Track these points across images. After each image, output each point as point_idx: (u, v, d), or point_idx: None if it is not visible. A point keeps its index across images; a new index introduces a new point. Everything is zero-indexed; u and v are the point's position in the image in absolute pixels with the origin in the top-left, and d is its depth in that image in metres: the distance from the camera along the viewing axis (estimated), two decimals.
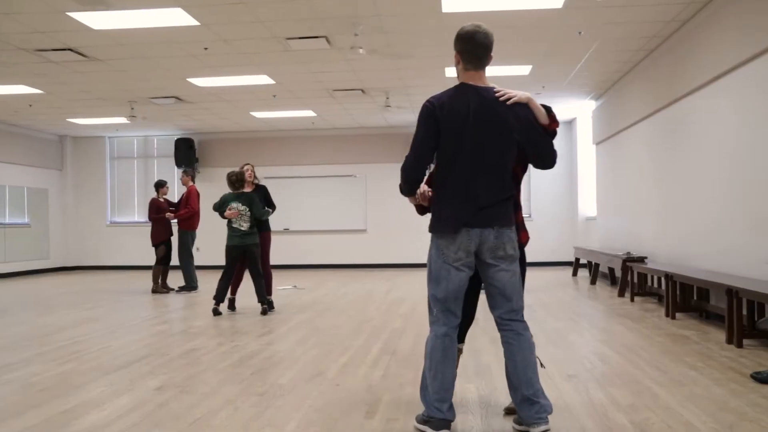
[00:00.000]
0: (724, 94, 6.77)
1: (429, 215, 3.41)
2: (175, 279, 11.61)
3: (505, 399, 3.84)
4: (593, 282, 10.95)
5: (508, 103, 3.14)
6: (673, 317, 6.91)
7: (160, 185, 10.80)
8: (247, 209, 7.71)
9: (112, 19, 7.33)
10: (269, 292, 8.09)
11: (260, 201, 7.99)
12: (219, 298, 7.75)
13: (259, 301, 7.76)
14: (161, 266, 10.54)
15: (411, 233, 15.48)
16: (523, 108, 3.18)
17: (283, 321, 7.19)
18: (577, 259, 12.63)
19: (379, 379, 4.45)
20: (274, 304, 8.38)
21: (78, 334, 6.52)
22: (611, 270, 10.64)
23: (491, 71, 9.81)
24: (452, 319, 3.28)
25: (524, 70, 9.99)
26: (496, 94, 3.17)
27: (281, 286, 11.20)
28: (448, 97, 3.18)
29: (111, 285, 11.98)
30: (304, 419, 3.56)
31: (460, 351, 3.56)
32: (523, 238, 3.40)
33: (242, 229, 7.69)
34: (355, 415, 3.62)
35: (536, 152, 3.23)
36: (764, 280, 5.66)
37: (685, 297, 7.10)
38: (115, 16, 7.25)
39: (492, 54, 3.25)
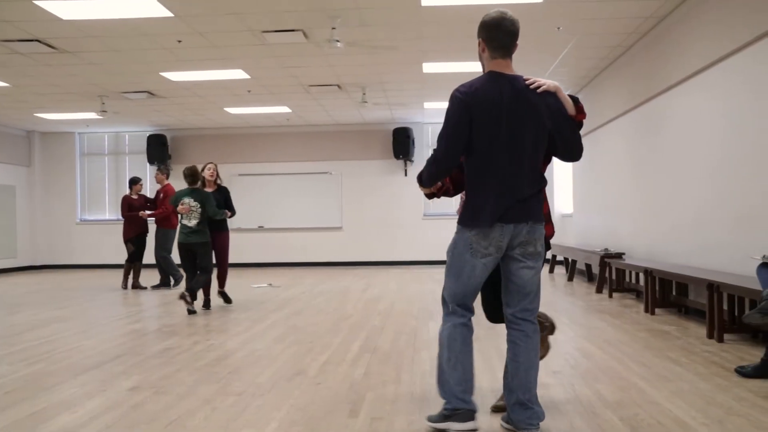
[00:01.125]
0: (702, 91, 6.78)
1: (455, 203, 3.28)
2: (151, 277, 11.38)
3: (491, 397, 3.77)
4: (570, 279, 10.95)
5: (538, 91, 3.04)
6: (653, 313, 6.91)
7: (133, 182, 10.68)
8: (199, 206, 7.52)
9: (82, 9, 7.11)
10: (222, 285, 8.10)
11: (221, 202, 7.89)
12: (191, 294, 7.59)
13: (186, 289, 7.43)
14: (130, 263, 10.45)
15: (387, 231, 15.41)
16: (553, 98, 3.08)
17: (259, 319, 7.05)
18: (554, 256, 12.65)
19: (360, 378, 4.34)
20: (232, 299, 8.40)
21: (48, 333, 6.31)
22: (588, 266, 10.65)
23: (468, 66, 9.79)
24: (468, 313, 3.18)
25: None
26: (527, 83, 3.07)
27: (256, 284, 11.04)
28: (479, 86, 3.05)
29: (82, 284, 11.70)
30: (285, 419, 3.45)
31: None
32: (549, 231, 3.28)
33: (189, 225, 7.54)
34: (338, 415, 3.52)
35: (565, 144, 3.12)
36: (745, 275, 5.66)
37: (664, 292, 7.10)
38: (86, 6, 7.03)
39: (518, 42, 3.14)
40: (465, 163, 3.16)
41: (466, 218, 3.13)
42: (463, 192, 3.45)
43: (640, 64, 8.55)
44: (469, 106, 3.01)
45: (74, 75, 10.09)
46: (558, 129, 3.08)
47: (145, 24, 7.69)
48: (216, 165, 8.27)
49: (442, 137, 3.09)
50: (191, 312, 7.36)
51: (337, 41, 7.85)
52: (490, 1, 7.10)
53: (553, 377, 4.25)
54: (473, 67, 9.89)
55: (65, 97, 11.81)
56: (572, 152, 3.17)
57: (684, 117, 7.24)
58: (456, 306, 3.15)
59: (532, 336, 3.12)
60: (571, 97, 3.15)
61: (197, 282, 7.51)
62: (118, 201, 15.20)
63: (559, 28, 8.15)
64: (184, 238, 7.56)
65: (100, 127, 15.19)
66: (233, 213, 8.13)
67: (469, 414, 3.08)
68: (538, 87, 3.05)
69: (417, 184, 3.39)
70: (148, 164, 15.30)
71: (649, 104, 8.35)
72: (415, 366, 4.67)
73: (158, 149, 15.09)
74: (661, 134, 7.93)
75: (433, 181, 3.26)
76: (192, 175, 7.66)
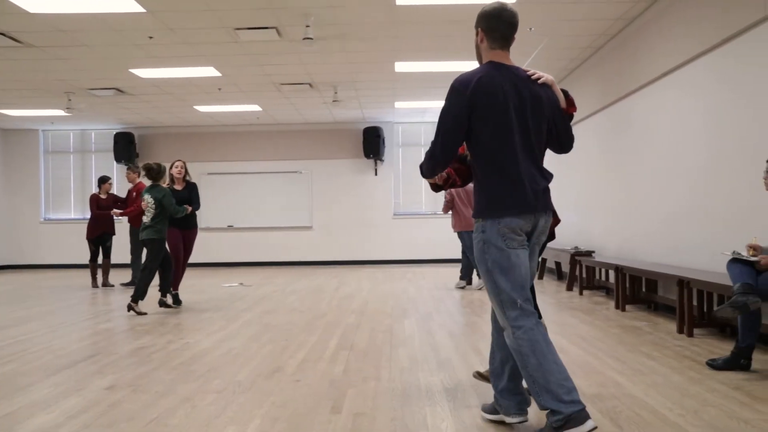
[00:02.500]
0: (672, 91, 6.92)
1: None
2: (122, 276, 11.22)
3: (470, 392, 3.79)
4: (540, 276, 11.08)
5: (539, 82, 3.06)
6: (623, 309, 7.03)
7: (102, 181, 10.54)
8: (154, 202, 7.45)
9: (50, 2, 6.97)
10: (175, 287, 7.97)
11: (185, 199, 7.85)
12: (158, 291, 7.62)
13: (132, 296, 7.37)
14: (93, 263, 10.33)
15: (357, 231, 15.41)
16: (550, 89, 3.11)
17: (233, 318, 7.00)
18: None
19: (340, 374, 4.34)
20: (182, 302, 8.23)
21: (17, 333, 6.18)
22: (558, 264, 10.78)
23: (441, 66, 9.85)
24: (531, 306, 3.01)
25: (475, 65, 10.00)
26: (528, 73, 3.09)
27: (227, 283, 10.95)
28: (481, 76, 3.00)
29: (48, 283, 11.47)
30: (268, 416, 3.43)
31: None
32: (556, 221, 3.31)
33: (144, 221, 7.52)
34: (320, 411, 3.51)
35: (560, 135, 3.15)
36: (713, 271, 5.79)
37: (634, 289, 7.23)
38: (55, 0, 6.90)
39: (516, 35, 3.16)
40: (475, 154, 3.08)
41: (490, 211, 2.99)
42: (447, 191, 3.49)
43: (611, 64, 8.69)
44: (470, 97, 2.96)
45: (40, 70, 9.89)
46: (555, 120, 3.11)
47: (116, 19, 7.57)
48: (184, 162, 8.19)
49: (440, 131, 3.03)
50: (139, 313, 7.28)
51: (311, 39, 7.83)
52: (466, 1, 7.17)
53: None
54: (445, 67, 9.97)
55: (30, 93, 11.56)
56: (564, 144, 3.19)
57: (653, 117, 7.38)
58: (524, 303, 2.95)
59: (540, 321, 3.04)
60: (562, 90, 3.19)
61: (138, 285, 7.40)
62: (83, 199, 15.02)
63: (531, 28, 8.23)
64: (140, 233, 7.58)
65: (66, 124, 14.91)
66: (196, 207, 7.99)
67: (583, 414, 2.77)
68: (538, 78, 3.08)
69: (419, 173, 3.34)
70: (115, 163, 15.06)
71: (619, 104, 8.49)
72: (393, 363, 4.68)
73: (126, 147, 14.88)
74: (630, 134, 8.07)
75: (432, 174, 3.24)
76: (148, 170, 7.59)
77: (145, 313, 7.27)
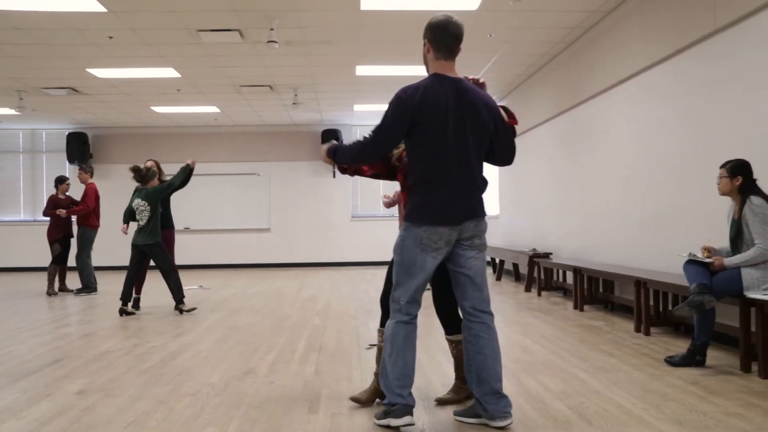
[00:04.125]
0: (624, 99, 7.17)
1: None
2: (74, 280, 10.99)
3: (443, 391, 3.89)
4: (498, 278, 11.29)
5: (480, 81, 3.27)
6: (582, 309, 7.25)
7: (59, 181, 10.21)
8: (147, 204, 7.40)
9: (9, 0, 6.84)
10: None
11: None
12: (125, 297, 7.42)
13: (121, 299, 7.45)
14: (56, 265, 9.97)
15: (315, 233, 15.42)
16: (491, 100, 3.28)
17: (196, 321, 6.97)
18: None
19: (312, 376, 4.40)
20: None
21: None
22: (516, 266, 11.00)
23: (401, 70, 9.97)
24: (416, 308, 3.29)
25: None
26: (471, 82, 3.26)
27: (186, 286, 10.82)
28: (424, 88, 3.17)
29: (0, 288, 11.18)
30: (246, 417, 3.47)
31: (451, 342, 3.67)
32: None
33: (140, 224, 7.46)
34: (297, 411, 3.56)
35: (501, 146, 3.32)
36: (665, 272, 6.03)
37: (592, 290, 7.45)
38: None
39: (461, 46, 3.30)
40: (410, 162, 3.28)
41: (414, 216, 3.21)
42: (397, 193, 3.67)
43: (567, 71, 8.93)
44: (413, 108, 3.14)
45: None
46: (497, 131, 3.28)
47: (77, 18, 7.46)
48: (156, 162, 8.13)
49: (378, 134, 3.23)
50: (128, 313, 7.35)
51: (275, 42, 7.86)
52: (428, 6, 7.28)
53: None
54: (405, 71, 10.09)
55: None
56: (507, 156, 3.38)
57: (606, 124, 7.63)
58: (406, 303, 3.23)
59: (492, 326, 3.29)
60: (501, 106, 3.36)
61: (172, 290, 7.46)
62: (33, 201, 14.70)
63: (490, 35, 8.41)
64: (134, 238, 7.47)
65: (15, 123, 14.52)
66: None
67: (405, 409, 3.15)
68: (482, 85, 3.30)
69: (325, 152, 3.49)
70: (67, 163, 14.75)
71: (574, 111, 8.73)
72: (364, 364, 4.75)
73: (79, 148, 14.59)
74: (585, 139, 8.32)
75: (350, 163, 3.45)
76: (136, 172, 7.52)
77: (194, 308, 7.64)
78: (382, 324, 3.60)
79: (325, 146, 3.51)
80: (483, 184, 3.31)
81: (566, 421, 3.29)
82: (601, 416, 3.36)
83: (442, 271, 3.45)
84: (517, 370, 4.45)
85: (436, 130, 3.14)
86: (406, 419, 3.14)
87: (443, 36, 3.23)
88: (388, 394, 3.20)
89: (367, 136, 3.28)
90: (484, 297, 3.28)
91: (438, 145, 3.15)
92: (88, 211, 9.84)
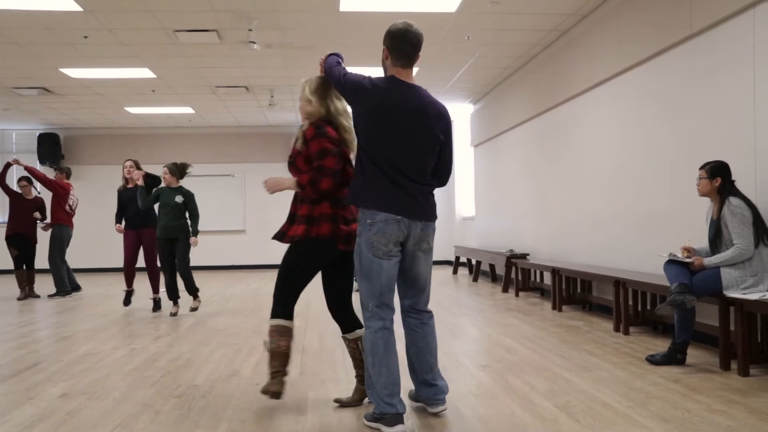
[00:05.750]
0: (601, 101, 7.27)
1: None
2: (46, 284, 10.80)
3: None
4: (475, 279, 11.36)
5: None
6: (560, 309, 7.32)
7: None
8: (183, 199, 7.65)
9: None
10: (155, 290, 7.93)
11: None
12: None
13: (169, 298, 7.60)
14: (18, 270, 9.52)
15: None
16: (445, 114, 3.38)
17: (176, 323, 6.90)
18: (457, 258, 13.05)
19: (297, 377, 4.38)
20: (160, 305, 7.98)
21: None
22: (492, 267, 11.08)
23: (378, 72, 9.97)
24: (388, 312, 3.33)
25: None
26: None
27: (162, 287, 10.71)
28: (386, 86, 3.26)
29: None
30: (234, 419, 3.45)
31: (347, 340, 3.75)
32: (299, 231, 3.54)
33: (166, 221, 7.49)
34: (286, 413, 3.55)
35: (443, 163, 3.41)
36: (644, 272, 6.13)
37: (570, 290, 7.53)
38: None
39: (420, 54, 3.38)
40: (359, 157, 3.31)
41: (364, 218, 3.25)
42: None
43: (544, 74, 9.02)
44: (371, 95, 3.24)
45: None
46: (444, 147, 3.36)
47: (51, 17, 7.34)
48: (135, 162, 8.06)
49: (339, 81, 3.38)
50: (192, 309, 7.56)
51: (255, 44, 7.82)
52: (407, 8, 7.32)
53: (483, 371, 4.45)
54: (381, 73, 10.10)
55: None
56: (446, 174, 3.45)
57: (584, 126, 7.72)
58: (376, 308, 3.28)
59: (428, 322, 3.47)
60: None
61: (189, 285, 7.55)
62: (3, 202, 14.35)
63: (468, 37, 8.47)
64: (166, 233, 7.42)
65: None
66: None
67: (396, 418, 3.16)
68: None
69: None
70: (39, 164, 14.48)
71: (551, 113, 8.82)
72: (348, 365, 4.73)
73: (50, 149, 14.34)
74: (562, 141, 8.41)
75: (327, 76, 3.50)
76: (180, 169, 7.79)
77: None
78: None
79: (328, 56, 3.59)
80: (432, 188, 3.41)
81: (554, 420, 3.33)
82: (588, 414, 3.41)
83: (329, 273, 3.67)
84: (501, 370, 4.48)
85: (386, 126, 3.21)
86: (398, 428, 3.14)
87: (402, 44, 3.29)
88: (378, 404, 3.21)
89: (342, 76, 3.37)
90: (425, 298, 3.49)
91: (384, 142, 3.22)
92: (44, 180, 9.47)
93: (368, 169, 3.25)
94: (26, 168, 9.33)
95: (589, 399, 3.70)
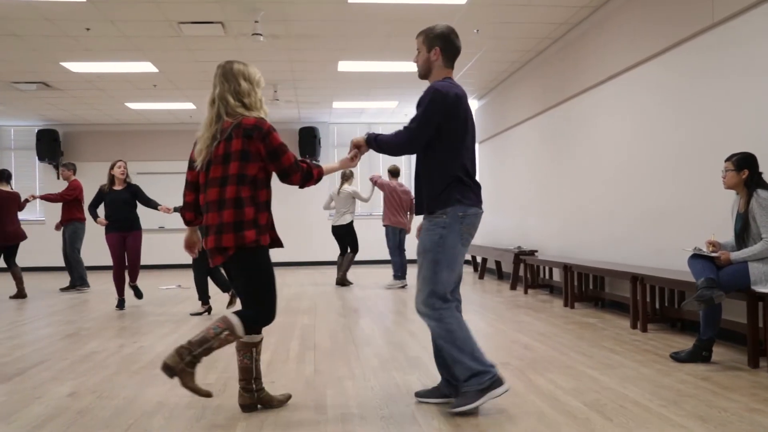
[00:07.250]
0: (613, 95, 7.14)
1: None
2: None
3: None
4: (481, 276, 11.23)
5: None
6: (572, 306, 7.19)
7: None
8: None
9: None
10: (133, 279, 7.91)
11: (128, 200, 7.79)
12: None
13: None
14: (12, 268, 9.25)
15: (292, 232, 15.17)
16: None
17: (181, 321, 6.77)
18: None
19: (313, 375, 4.25)
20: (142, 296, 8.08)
21: None
22: (498, 264, 10.95)
23: (383, 66, 9.88)
24: (457, 297, 3.52)
25: (410, 67, 10.07)
26: None
27: (164, 285, 10.60)
28: (456, 89, 3.43)
29: None
30: (253, 417, 3.31)
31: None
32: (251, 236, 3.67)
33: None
34: (305, 411, 3.42)
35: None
36: (661, 267, 6.00)
37: (581, 287, 7.41)
38: None
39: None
40: (436, 153, 3.39)
41: (454, 212, 3.32)
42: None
43: (553, 68, 8.89)
44: (449, 106, 3.35)
45: None
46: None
47: (52, 8, 7.19)
48: (125, 163, 7.94)
49: (419, 128, 3.37)
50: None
51: (260, 35, 7.68)
52: (417, 0, 7.18)
53: (505, 368, 4.32)
54: (385, 68, 10.02)
55: None
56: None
57: (594, 120, 7.60)
58: (450, 293, 3.39)
59: (460, 309, 3.59)
60: None
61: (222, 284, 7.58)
62: None
63: (477, 30, 8.33)
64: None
65: None
66: (154, 204, 8.07)
67: (500, 378, 3.30)
68: None
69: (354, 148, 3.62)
70: (37, 161, 14.32)
71: (560, 107, 8.70)
72: (364, 362, 4.62)
73: (49, 145, 14.16)
74: (572, 136, 8.28)
75: (392, 153, 3.51)
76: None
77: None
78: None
79: (361, 137, 3.59)
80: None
81: (586, 419, 3.20)
82: (620, 413, 3.28)
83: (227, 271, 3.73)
84: (522, 367, 4.35)
85: (460, 123, 3.40)
86: (506, 386, 3.29)
87: (454, 46, 3.53)
88: (486, 371, 3.25)
89: (407, 127, 3.41)
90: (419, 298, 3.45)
91: (460, 137, 3.42)
92: (57, 200, 9.59)
93: (450, 171, 3.38)
94: (41, 198, 9.70)
95: (619, 397, 3.57)
